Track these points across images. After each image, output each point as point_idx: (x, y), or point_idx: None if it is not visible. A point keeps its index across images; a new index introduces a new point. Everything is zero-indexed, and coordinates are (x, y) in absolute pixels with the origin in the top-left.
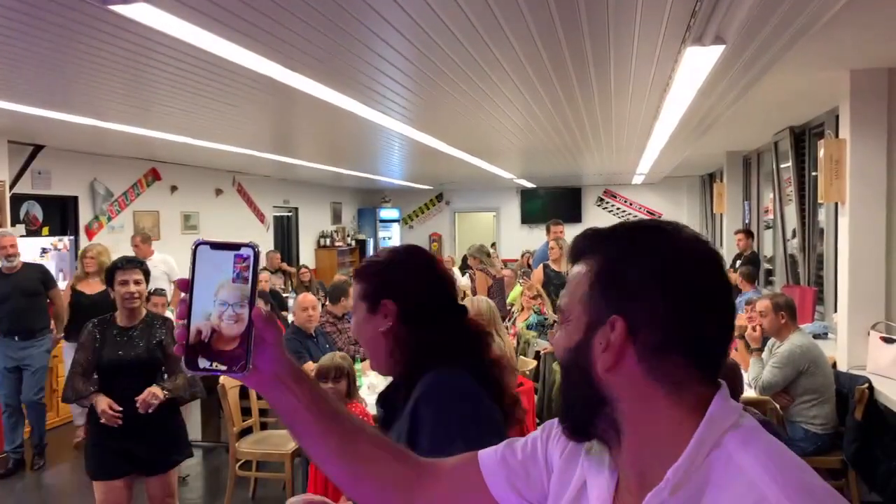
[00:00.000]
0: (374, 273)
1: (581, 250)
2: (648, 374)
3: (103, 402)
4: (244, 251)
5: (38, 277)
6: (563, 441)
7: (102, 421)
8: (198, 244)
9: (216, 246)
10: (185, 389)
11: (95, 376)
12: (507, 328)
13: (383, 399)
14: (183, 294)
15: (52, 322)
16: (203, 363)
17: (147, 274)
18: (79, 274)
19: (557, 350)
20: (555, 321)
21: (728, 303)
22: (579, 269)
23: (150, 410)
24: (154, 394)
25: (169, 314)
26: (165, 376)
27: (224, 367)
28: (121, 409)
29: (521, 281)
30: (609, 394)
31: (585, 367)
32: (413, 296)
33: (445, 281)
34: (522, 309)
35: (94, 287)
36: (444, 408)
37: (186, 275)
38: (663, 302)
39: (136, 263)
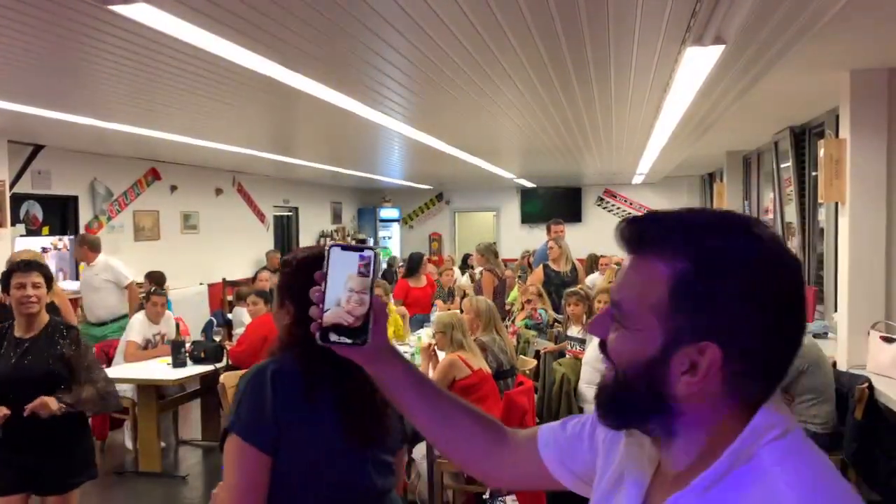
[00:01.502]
0: (284, 273)
1: (647, 238)
2: (726, 395)
3: None
4: (366, 252)
5: None
6: None
7: None
8: (331, 246)
9: (345, 248)
10: (94, 403)
11: None
12: (506, 327)
13: None
14: (317, 286)
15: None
16: (333, 337)
17: (48, 278)
18: None
19: (618, 355)
20: (555, 320)
21: (805, 319)
22: (649, 264)
23: (40, 416)
24: (44, 404)
25: (169, 313)
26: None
27: (349, 340)
28: (8, 412)
29: (519, 282)
30: (675, 406)
31: (656, 383)
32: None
33: None
34: (522, 308)
35: None
36: (239, 389)
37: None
38: (762, 329)
39: (35, 266)
